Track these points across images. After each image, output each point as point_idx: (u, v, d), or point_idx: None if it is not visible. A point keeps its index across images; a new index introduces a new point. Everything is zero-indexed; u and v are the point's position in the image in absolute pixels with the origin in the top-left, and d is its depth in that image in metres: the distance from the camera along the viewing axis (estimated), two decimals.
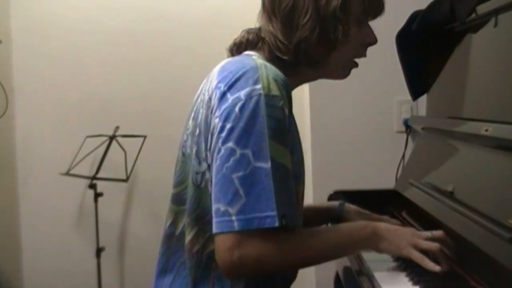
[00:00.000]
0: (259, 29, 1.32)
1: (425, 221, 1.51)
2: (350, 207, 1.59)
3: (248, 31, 1.34)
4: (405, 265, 1.25)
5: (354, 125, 2.47)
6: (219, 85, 1.19)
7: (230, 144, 1.12)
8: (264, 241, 1.11)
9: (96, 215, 2.86)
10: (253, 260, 1.11)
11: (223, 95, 1.17)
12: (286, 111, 1.17)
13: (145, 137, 2.83)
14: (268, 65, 1.21)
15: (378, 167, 2.38)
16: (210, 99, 1.21)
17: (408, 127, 2.37)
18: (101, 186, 2.86)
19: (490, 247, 1.11)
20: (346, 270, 1.48)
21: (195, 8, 2.99)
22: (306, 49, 1.24)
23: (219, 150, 1.14)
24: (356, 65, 1.36)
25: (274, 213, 1.09)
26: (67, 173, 2.80)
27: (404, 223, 1.66)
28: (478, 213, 1.20)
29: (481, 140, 1.36)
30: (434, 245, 1.20)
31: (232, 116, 1.13)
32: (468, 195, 1.33)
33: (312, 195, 2.51)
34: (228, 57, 1.35)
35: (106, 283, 2.90)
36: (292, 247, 1.16)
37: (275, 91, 1.15)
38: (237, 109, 1.13)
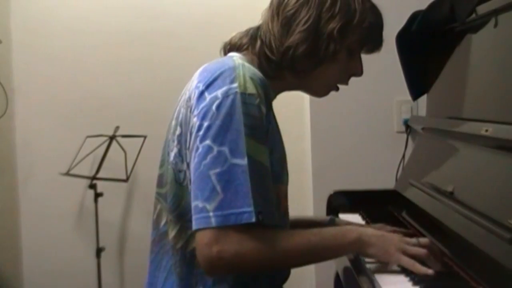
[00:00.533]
0: (258, 28, 1.34)
1: (425, 221, 1.51)
2: (341, 222, 1.60)
3: (245, 32, 1.36)
4: None
5: (354, 125, 2.47)
6: (198, 84, 1.22)
7: (207, 141, 1.14)
8: (241, 237, 1.12)
9: (96, 215, 2.86)
10: (231, 255, 1.12)
11: (201, 94, 1.20)
12: (263, 109, 1.18)
13: (145, 137, 2.82)
14: (247, 64, 1.23)
15: (378, 167, 2.38)
16: (189, 98, 1.24)
17: (408, 127, 2.37)
18: (101, 186, 2.86)
19: (490, 247, 1.11)
20: (346, 270, 1.47)
21: (195, 8, 2.99)
22: (293, 56, 1.26)
23: (197, 148, 1.16)
24: (336, 89, 1.39)
25: (251, 209, 1.11)
26: (67, 173, 2.80)
27: (404, 223, 1.66)
28: (478, 213, 1.20)
29: (481, 140, 1.36)
30: (422, 251, 1.20)
31: (209, 114, 1.16)
32: (468, 195, 1.33)
33: (312, 195, 2.51)
34: (221, 56, 1.38)
35: (106, 283, 2.90)
36: (270, 244, 1.16)
37: (251, 89, 1.17)
38: (214, 107, 1.16)
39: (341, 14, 1.27)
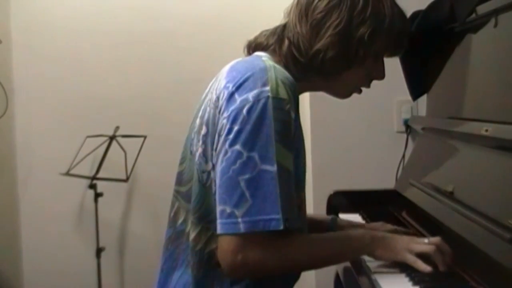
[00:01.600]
0: (284, 26, 1.32)
1: (425, 221, 1.51)
2: (342, 221, 1.60)
3: (272, 31, 1.34)
4: (405, 265, 1.25)
5: (354, 125, 2.46)
6: (228, 85, 1.20)
7: (237, 146, 1.13)
8: (267, 244, 1.13)
9: (96, 215, 2.86)
10: (256, 262, 1.12)
11: (231, 96, 1.17)
12: (293, 114, 1.17)
13: (145, 137, 2.83)
14: (277, 66, 1.21)
15: (378, 167, 2.37)
16: (218, 98, 1.21)
17: (408, 127, 2.37)
18: (101, 186, 2.86)
19: (490, 247, 1.11)
20: (346, 270, 1.48)
21: (195, 8, 2.99)
22: (323, 60, 1.25)
23: (226, 152, 1.14)
24: (360, 91, 1.40)
25: (279, 216, 1.10)
26: (67, 173, 2.80)
27: (404, 223, 1.66)
28: (478, 213, 1.20)
29: (481, 140, 1.36)
30: (428, 248, 1.21)
31: (240, 118, 1.14)
32: (468, 195, 1.33)
33: (312, 195, 2.51)
34: (245, 55, 1.36)
35: (106, 283, 2.90)
36: (294, 251, 1.17)
37: (283, 94, 1.16)
38: (245, 111, 1.14)
39: (371, 19, 1.26)
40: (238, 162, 1.12)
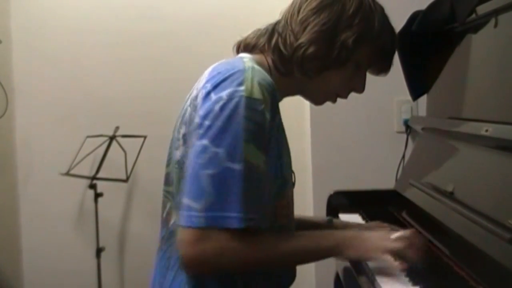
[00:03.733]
0: (276, 23, 1.34)
1: (425, 221, 1.51)
2: (338, 223, 1.60)
3: (263, 31, 1.36)
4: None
5: (354, 125, 2.47)
6: (206, 84, 1.22)
7: (205, 141, 1.15)
8: (226, 241, 1.13)
9: (96, 215, 2.86)
10: (212, 258, 1.13)
11: (207, 94, 1.20)
12: (268, 115, 1.18)
13: (145, 137, 2.83)
14: (257, 68, 1.23)
15: (378, 167, 2.38)
16: (196, 97, 1.24)
17: (408, 127, 2.37)
18: (101, 186, 2.86)
19: (490, 247, 1.11)
20: (346, 270, 1.48)
21: (195, 8, 2.99)
22: (304, 54, 1.27)
23: (194, 146, 1.16)
24: (334, 100, 1.41)
25: (240, 214, 1.12)
26: (67, 173, 2.80)
27: (404, 223, 1.66)
28: (478, 213, 1.20)
29: (481, 140, 1.36)
30: (398, 245, 1.20)
31: (212, 114, 1.16)
32: (468, 195, 1.33)
33: (312, 195, 2.51)
34: (234, 54, 1.37)
35: (106, 283, 2.90)
36: (254, 250, 1.17)
37: (257, 94, 1.17)
38: (217, 108, 1.16)
39: (359, 26, 1.28)
40: (204, 156, 1.14)
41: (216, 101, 1.16)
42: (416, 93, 1.97)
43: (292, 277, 1.36)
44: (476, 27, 1.56)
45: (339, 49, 1.27)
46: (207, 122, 1.16)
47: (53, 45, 3.03)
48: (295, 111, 2.79)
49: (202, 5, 2.99)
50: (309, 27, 1.27)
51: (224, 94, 1.16)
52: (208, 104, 1.18)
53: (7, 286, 2.97)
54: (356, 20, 1.28)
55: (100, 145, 2.86)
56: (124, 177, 2.78)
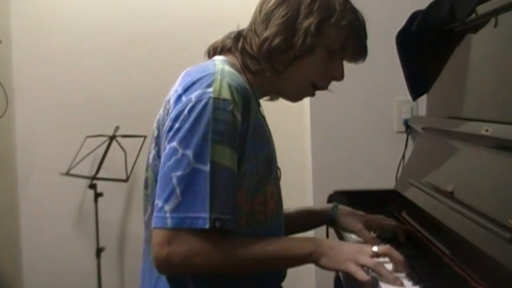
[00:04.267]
0: (242, 30, 1.38)
1: (425, 221, 1.51)
2: (344, 209, 1.60)
3: (228, 35, 1.39)
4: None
5: (354, 125, 2.46)
6: (178, 88, 1.24)
7: (174, 143, 1.16)
8: (194, 241, 1.14)
9: (96, 215, 2.86)
10: (180, 257, 1.14)
11: (178, 97, 1.22)
12: (238, 115, 1.19)
13: (145, 137, 2.82)
14: (227, 69, 1.24)
15: (378, 167, 2.37)
16: (168, 101, 1.26)
17: (408, 127, 2.37)
18: (101, 186, 2.86)
19: (490, 247, 1.11)
20: None
21: (195, 8, 2.99)
22: (269, 48, 1.28)
23: (165, 148, 1.19)
24: (312, 94, 1.40)
25: (207, 215, 1.13)
26: (67, 173, 2.80)
27: (404, 223, 1.66)
28: (478, 213, 1.20)
29: (481, 140, 1.36)
30: (370, 262, 1.19)
31: (181, 117, 1.18)
32: (468, 195, 1.33)
33: (312, 195, 2.51)
34: (206, 59, 1.40)
35: (106, 283, 2.90)
36: (223, 251, 1.17)
37: (226, 95, 1.18)
38: (186, 110, 1.18)
39: (319, 11, 1.29)
40: (173, 158, 1.16)
41: (186, 104, 1.18)
42: (416, 93, 1.97)
43: (282, 277, 1.36)
44: (476, 27, 1.56)
45: (303, 36, 1.28)
46: (176, 125, 1.18)
47: (53, 45, 3.03)
48: (295, 111, 2.79)
49: (202, 5, 2.99)
50: (270, 22, 1.29)
51: (193, 96, 1.18)
52: (178, 106, 1.20)
53: (7, 286, 2.97)
54: (316, 6, 1.29)
55: (100, 145, 2.86)
56: (124, 177, 2.78)
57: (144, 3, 3.02)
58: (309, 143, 2.51)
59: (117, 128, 2.90)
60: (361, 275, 1.17)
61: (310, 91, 1.39)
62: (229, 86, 1.19)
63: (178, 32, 2.99)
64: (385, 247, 1.22)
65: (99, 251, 2.86)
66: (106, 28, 3.01)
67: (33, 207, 3.07)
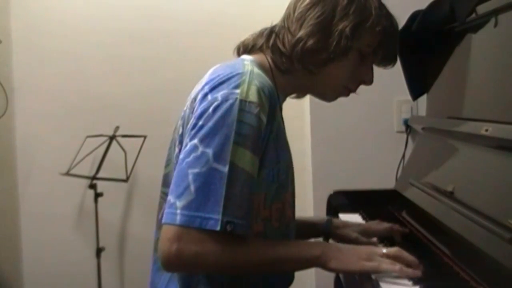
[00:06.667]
0: (274, 26, 1.35)
1: (425, 221, 1.51)
2: (337, 222, 1.58)
3: (259, 33, 1.36)
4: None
5: (354, 125, 2.47)
6: (205, 86, 1.22)
7: (195, 141, 1.15)
8: (204, 241, 1.12)
9: (96, 215, 2.86)
10: (189, 256, 1.12)
11: (204, 96, 1.20)
12: (264, 118, 1.17)
13: (145, 137, 2.83)
14: (256, 71, 1.22)
15: (378, 167, 2.38)
16: (194, 99, 1.24)
17: (408, 127, 2.37)
18: (101, 186, 2.86)
19: (490, 247, 1.11)
20: None
21: (195, 8, 2.99)
22: (303, 48, 1.27)
23: (186, 145, 1.17)
24: (346, 94, 1.39)
25: (219, 217, 1.11)
26: (67, 173, 2.80)
27: (404, 223, 1.66)
28: (478, 213, 1.20)
29: (481, 140, 1.36)
30: (375, 266, 1.18)
31: (205, 115, 1.16)
32: (468, 195, 1.33)
33: (312, 195, 2.51)
34: (235, 57, 1.37)
35: (106, 283, 2.90)
36: (233, 254, 1.15)
37: (253, 97, 1.16)
38: (211, 109, 1.16)
39: (355, 14, 1.28)
40: (192, 155, 1.14)
41: (211, 102, 1.16)
42: (416, 93, 1.97)
43: (290, 281, 1.35)
44: (476, 27, 1.56)
45: (337, 39, 1.26)
46: (200, 122, 1.16)
47: (53, 45, 3.03)
48: (295, 111, 2.79)
49: (202, 4, 2.99)
50: (305, 22, 1.27)
51: (219, 95, 1.17)
52: (203, 104, 1.18)
53: (7, 286, 2.97)
54: (352, 9, 1.27)
55: (100, 145, 2.86)
56: (124, 177, 2.78)
57: (144, 3, 3.02)
58: (309, 143, 2.51)
59: (117, 128, 2.90)
60: (387, 266, 1.15)
61: (343, 92, 1.38)
62: (257, 89, 1.17)
63: (179, 32, 2.99)
64: (394, 249, 1.22)
65: (99, 251, 2.86)
66: (106, 28, 3.01)
67: (33, 207, 3.07)
